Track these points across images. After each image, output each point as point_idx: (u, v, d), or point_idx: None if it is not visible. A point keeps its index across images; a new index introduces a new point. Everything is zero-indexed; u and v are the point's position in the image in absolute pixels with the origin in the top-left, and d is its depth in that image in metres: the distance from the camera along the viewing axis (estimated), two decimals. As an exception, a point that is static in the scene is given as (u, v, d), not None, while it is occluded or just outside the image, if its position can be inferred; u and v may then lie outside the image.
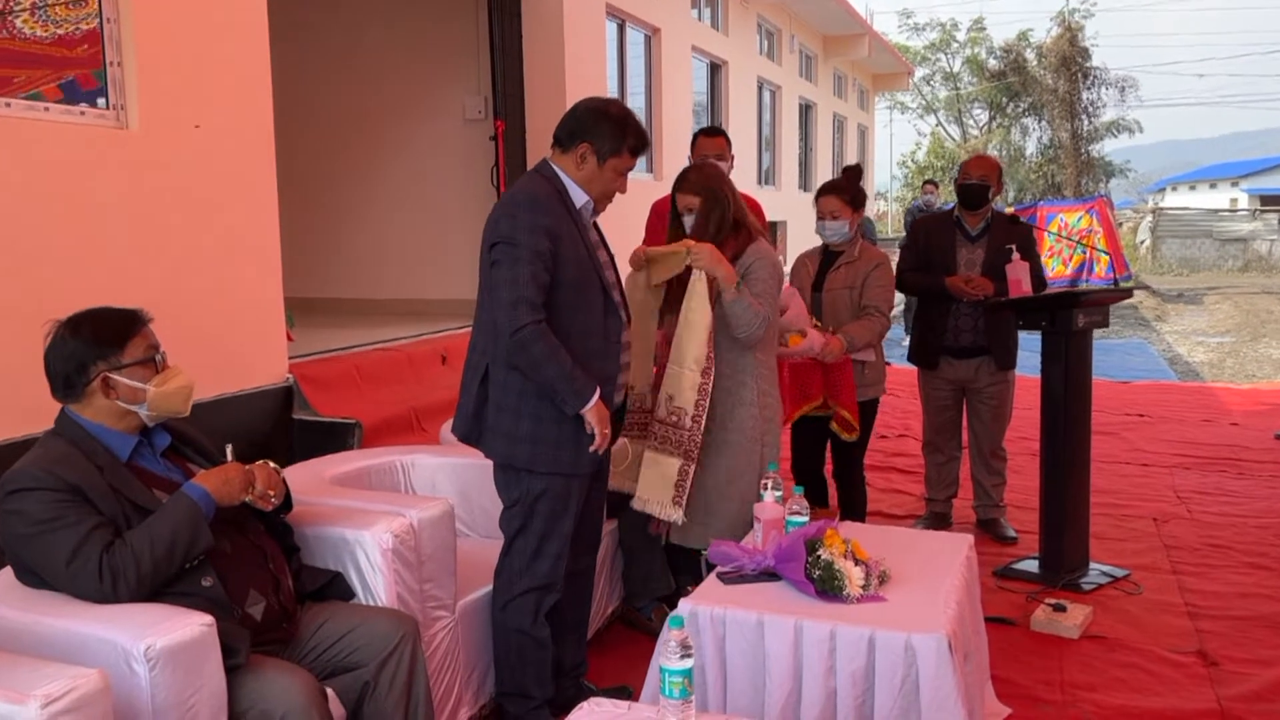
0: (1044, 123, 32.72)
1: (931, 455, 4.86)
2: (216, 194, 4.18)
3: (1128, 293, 4.85)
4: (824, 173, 16.39)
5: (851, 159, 18.79)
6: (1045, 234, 14.48)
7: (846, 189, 4.13)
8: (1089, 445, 4.21)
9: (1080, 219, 15.76)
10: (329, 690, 2.26)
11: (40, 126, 3.50)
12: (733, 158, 4.82)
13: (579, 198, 2.77)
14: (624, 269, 3.13)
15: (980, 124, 34.98)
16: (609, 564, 3.52)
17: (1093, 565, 4.21)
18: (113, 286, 3.71)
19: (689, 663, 1.97)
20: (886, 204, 35.64)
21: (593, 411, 2.67)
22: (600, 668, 3.31)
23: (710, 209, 3.24)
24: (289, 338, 4.86)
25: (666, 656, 1.96)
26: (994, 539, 4.71)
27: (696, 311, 3.08)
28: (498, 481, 2.81)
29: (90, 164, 3.66)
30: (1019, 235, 4.47)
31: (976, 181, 4.46)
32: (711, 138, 4.71)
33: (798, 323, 3.77)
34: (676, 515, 3.14)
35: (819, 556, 2.61)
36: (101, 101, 3.75)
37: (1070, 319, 3.97)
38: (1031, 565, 4.22)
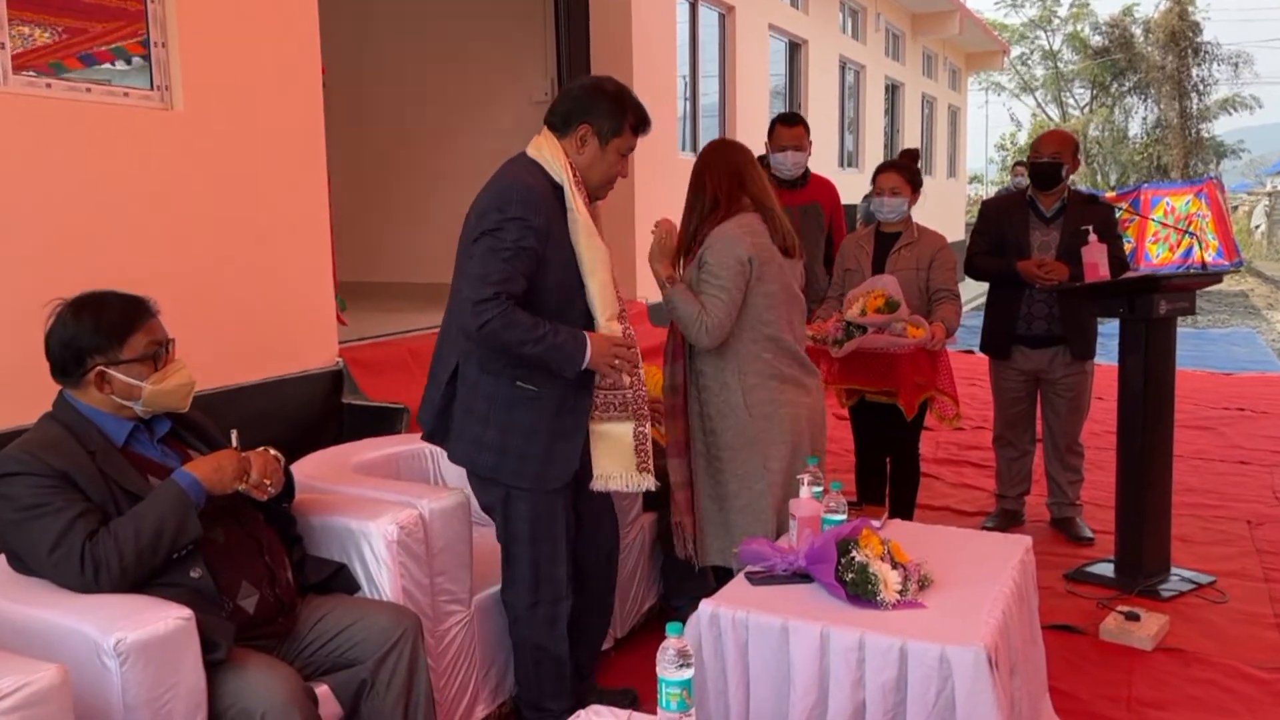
0: (1150, 101, 31.32)
1: (1003, 450, 4.60)
2: (264, 176, 4.15)
3: (1216, 277, 4.48)
4: (911, 155, 15.90)
5: (941, 141, 18.24)
6: (1149, 220, 13.82)
7: (907, 167, 3.92)
8: (1171, 442, 3.90)
9: (1188, 203, 14.99)
10: (325, 686, 2.19)
11: (82, 108, 3.50)
12: (809, 145, 4.67)
13: (578, 194, 2.54)
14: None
15: (1082, 103, 33.66)
16: (645, 558, 3.39)
17: (1174, 570, 3.92)
18: (157, 269, 3.70)
19: (688, 673, 1.83)
20: (983, 188, 34.60)
21: (594, 360, 2.49)
22: (633, 665, 3.20)
23: (691, 202, 2.98)
24: (341, 321, 4.83)
25: (664, 666, 1.82)
26: (1069, 539, 4.44)
27: (587, 257, 2.58)
28: (472, 487, 2.66)
29: (135, 146, 3.65)
30: (1097, 216, 4.17)
31: (1048, 160, 4.17)
32: (791, 127, 4.59)
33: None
34: (648, 481, 2.71)
35: (852, 558, 2.43)
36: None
37: (1150, 305, 3.68)
38: (1106, 569, 3.94)
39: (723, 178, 2.92)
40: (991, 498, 4.85)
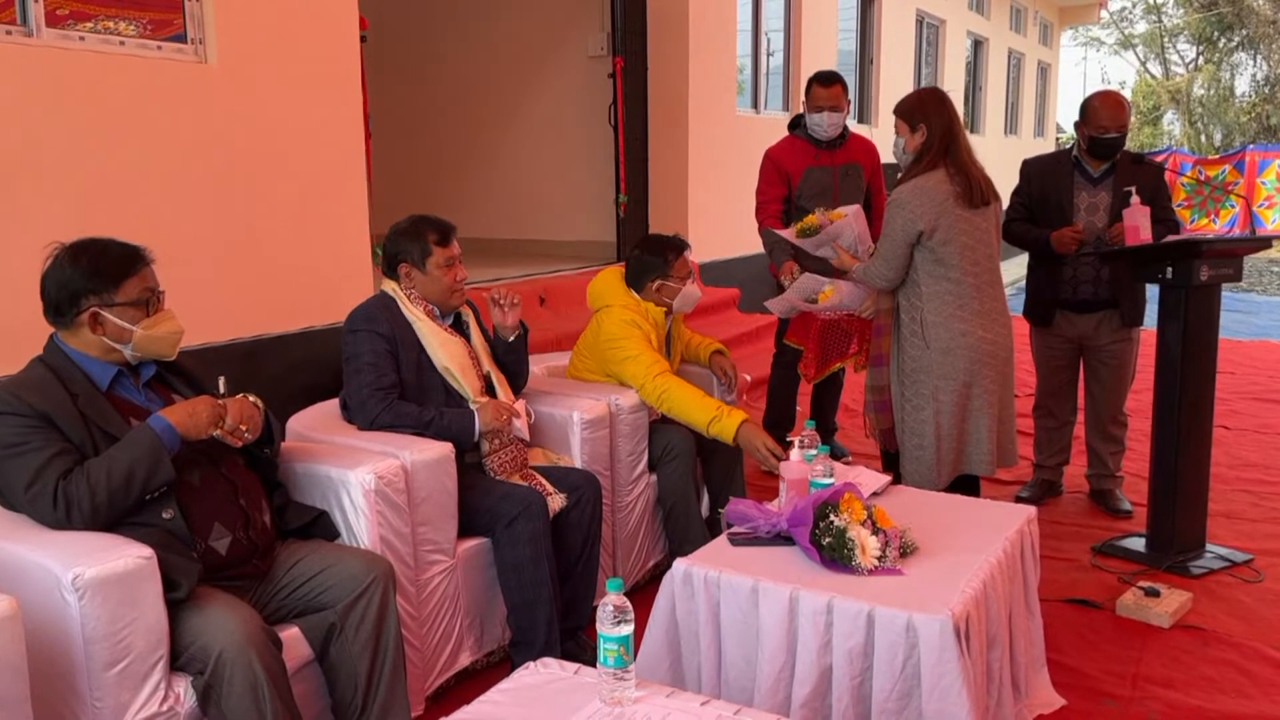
0: (1260, 58, 29.67)
1: (1042, 419, 4.46)
2: (300, 131, 4.21)
3: (1266, 242, 4.24)
4: (994, 115, 15.41)
5: (1029, 99, 17.60)
6: (1260, 183, 13.20)
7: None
8: (1210, 414, 3.73)
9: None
10: (295, 629, 2.24)
11: (116, 60, 3.58)
12: (848, 104, 4.57)
13: (415, 309, 3.00)
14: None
15: (1186, 59, 32.07)
16: (649, 516, 3.39)
17: (1209, 547, 3.77)
18: (193, 222, 3.80)
19: (626, 629, 1.83)
20: (1077, 149, 33.27)
21: (486, 425, 2.90)
22: (637, 621, 3.19)
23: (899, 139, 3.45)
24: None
25: (602, 622, 1.82)
26: (1106, 511, 4.30)
27: (440, 352, 3.07)
28: None
29: (169, 99, 3.72)
30: (1145, 176, 3.98)
31: (1115, 135, 3.94)
32: (828, 87, 4.50)
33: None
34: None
35: (831, 522, 2.39)
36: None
37: (1190, 271, 3.51)
38: (1138, 543, 3.81)
39: (935, 134, 3.28)
40: (1031, 467, 4.72)
